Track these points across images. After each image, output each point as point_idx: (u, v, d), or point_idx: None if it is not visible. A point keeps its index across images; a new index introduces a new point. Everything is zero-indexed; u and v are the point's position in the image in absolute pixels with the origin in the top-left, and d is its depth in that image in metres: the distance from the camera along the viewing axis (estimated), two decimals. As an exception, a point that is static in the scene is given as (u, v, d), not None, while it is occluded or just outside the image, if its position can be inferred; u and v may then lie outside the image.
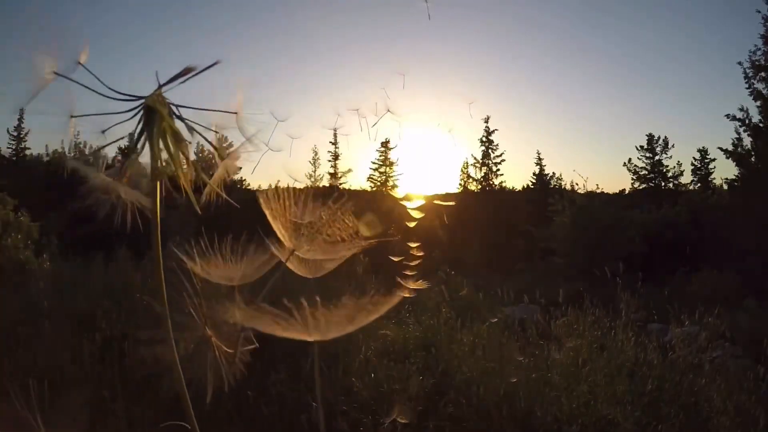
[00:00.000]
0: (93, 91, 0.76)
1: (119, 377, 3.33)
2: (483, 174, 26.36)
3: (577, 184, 25.28)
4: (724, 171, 36.83)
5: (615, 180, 45.35)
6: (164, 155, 0.76)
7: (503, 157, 26.26)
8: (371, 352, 3.85)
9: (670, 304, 5.02)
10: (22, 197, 10.78)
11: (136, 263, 5.92)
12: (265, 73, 40.86)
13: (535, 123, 41.16)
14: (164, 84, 0.75)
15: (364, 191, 24.66)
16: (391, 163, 26.81)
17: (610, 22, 39.17)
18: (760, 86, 14.71)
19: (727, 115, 15.30)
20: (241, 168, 0.88)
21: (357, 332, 3.28)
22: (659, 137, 25.56)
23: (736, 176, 16.03)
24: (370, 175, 26.95)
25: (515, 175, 48.61)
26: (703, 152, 25.25)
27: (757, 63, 14.76)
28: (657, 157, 25.50)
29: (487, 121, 26.36)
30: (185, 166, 0.79)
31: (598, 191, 22.64)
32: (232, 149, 0.84)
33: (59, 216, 16.20)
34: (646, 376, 3.54)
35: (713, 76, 37.39)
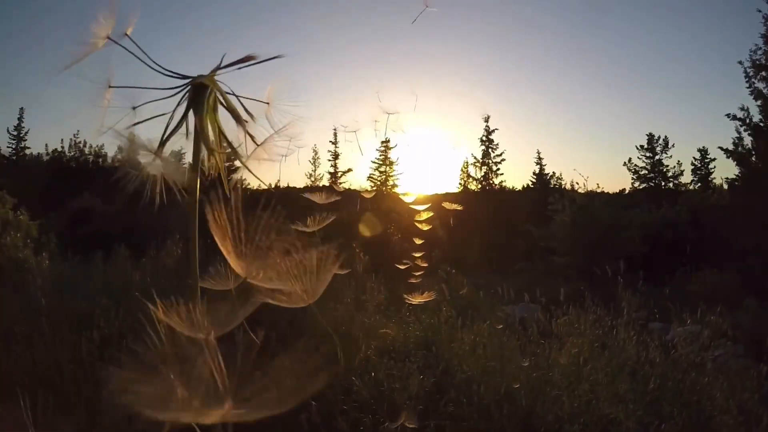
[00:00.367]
0: (143, 62, 0.76)
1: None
2: (483, 173, 26.35)
3: (577, 183, 25.25)
4: (725, 171, 36.84)
5: (615, 180, 45.33)
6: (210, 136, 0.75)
7: (503, 156, 26.26)
8: (371, 351, 3.83)
9: (670, 303, 5.00)
10: (22, 196, 10.76)
11: (136, 262, 5.90)
12: (265, 74, 40.71)
13: (535, 123, 41.13)
14: (223, 66, 0.75)
15: (363, 190, 24.64)
16: (391, 163, 26.80)
17: (610, 21, 39.14)
18: (760, 85, 14.70)
19: (728, 115, 15.29)
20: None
21: (357, 331, 3.26)
22: (659, 137, 25.55)
23: (737, 176, 16.02)
24: (370, 174, 26.95)
25: (515, 175, 48.59)
26: (703, 152, 25.25)
27: (757, 62, 14.74)
28: (657, 157, 25.47)
29: (487, 121, 26.35)
30: (227, 146, 0.78)
31: (599, 191, 22.63)
32: (264, 139, 0.82)
33: (59, 215, 16.18)
34: (648, 374, 3.52)
35: (713, 75, 37.36)
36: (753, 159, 15.08)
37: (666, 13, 39.62)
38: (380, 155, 26.68)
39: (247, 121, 0.79)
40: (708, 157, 25.05)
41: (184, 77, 0.75)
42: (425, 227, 3.28)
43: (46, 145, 29.06)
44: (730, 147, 15.53)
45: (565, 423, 3.07)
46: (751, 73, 14.77)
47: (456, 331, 4.11)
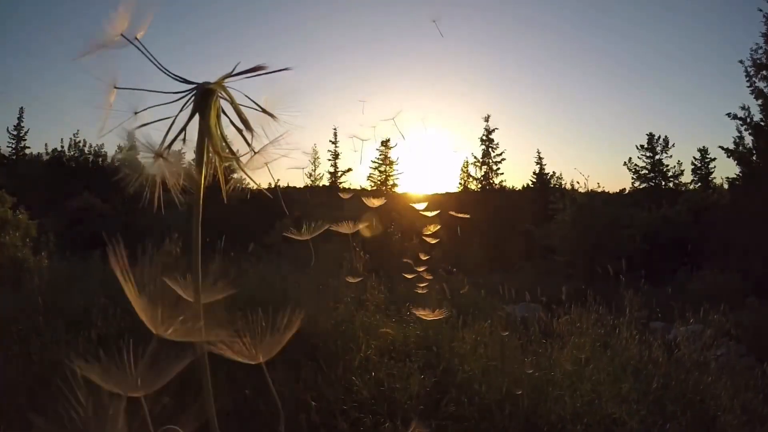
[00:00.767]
0: (154, 65, 0.77)
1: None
2: (483, 173, 26.33)
3: (578, 183, 25.26)
4: (725, 170, 36.81)
5: (615, 179, 45.32)
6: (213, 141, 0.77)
7: (503, 156, 26.24)
8: (371, 350, 3.79)
9: (672, 302, 4.98)
10: (21, 195, 10.74)
11: (134, 261, 5.86)
12: (267, 79, 40.70)
13: (535, 123, 41.14)
14: (231, 75, 0.77)
15: (363, 190, 24.64)
16: (391, 162, 26.78)
17: (611, 21, 39.14)
18: (761, 85, 14.68)
19: (728, 114, 15.28)
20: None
21: (357, 330, 3.21)
22: (659, 136, 25.54)
23: (738, 175, 16.01)
24: (370, 174, 26.92)
25: (515, 175, 48.60)
26: (704, 152, 25.23)
27: (758, 61, 14.72)
28: (657, 157, 25.46)
29: (487, 120, 26.34)
30: (229, 152, 0.81)
31: (599, 190, 22.61)
32: (262, 147, 0.84)
33: (58, 214, 16.15)
34: (651, 374, 3.49)
35: (714, 74, 37.38)
36: (754, 158, 15.07)
37: (666, 13, 39.62)
38: (380, 155, 26.67)
39: (253, 130, 0.82)
40: (708, 156, 25.05)
41: (191, 82, 0.77)
42: (428, 230, 3.30)
43: (46, 144, 29.06)
44: (731, 146, 15.53)
45: (568, 423, 3.04)
46: (751, 72, 14.75)
47: (457, 331, 4.07)
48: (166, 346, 0.76)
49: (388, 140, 26.37)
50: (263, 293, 4.26)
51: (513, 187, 27.25)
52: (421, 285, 3.34)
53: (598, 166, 41.01)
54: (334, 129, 27.53)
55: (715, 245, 13.84)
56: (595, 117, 39.36)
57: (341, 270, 5.04)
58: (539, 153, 27.72)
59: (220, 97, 0.78)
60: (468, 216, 3.91)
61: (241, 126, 0.81)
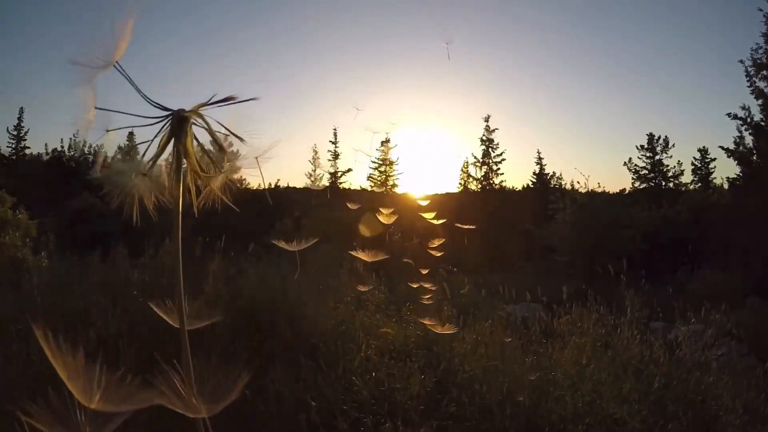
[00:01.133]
0: (137, 90, 0.85)
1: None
2: (483, 173, 26.31)
3: (578, 183, 25.28)
4: (725, 171, 36.79)
5: (615, 179, 45.32)
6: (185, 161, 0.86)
7: (504, 156, 26.22)
8: (371, 350, 3.78)
9: (672, 302, 4.96)
10: (21, 195, 10.74)
11: (134, 261, 5.85)
12: (266, 74, 40.75)
13: (535, 122, 41.13)
14: (205, 104, 0.87)
15: (363, 190, 24.63)
16: (391, 163, 26.76)
17: (611, 21, 39.13)
18: (761, 84, 14.67)
19: (729, 114, 15.26)
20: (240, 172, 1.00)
21: (357, 330, 3.20)
22: (659, 137, 25.54)
23: (738, 175, 16.00)
24: (370, 174, 26.91)
25: (515, 175, 48.56)
26: (704, 152, 25.23)
27: (758, 61, 14.70)
28: (657, 157, 25.46)
29: (487, 121, 26.33)
30: (204, 172, 0.91)
31: (599, 190, 22.61)
32: (226, 167, 0.95)
33: (58, 214, 16.13)
34: (652, 373, 3.48)
35: (714, 74, 37.39)
36: (754, 158, 15.05)
37: (666, 13, 39.61)
38: (380, 155, 26.65)
39: (226, 151, 0.94)
40: (708, 156, 25.05)
41: (168, 109, 0.86)
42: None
43: (46, 145, 29.04)
44: (731, 146, 15.51)
45: (569, 423, 3.03)
46: (752, 72, 14.74)
47: (457, 331, 4.06)
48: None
49: (388, 140, 26.38)
50: (263, 293, 4.25)
51: (513, 187, 27.26)
52: (426, 297, 3.39)
53: (598, 167, 41.05)
54: (334, 129, 27.54)
55: (715, 245, 13.83)
56: (595, 117, 39.39)
57: (341, 270, 5.03)
58: (539, 153, 27.73)
59: (195, 123, 0.87)
60: (474, 227, 3.98)
61: (212, 147, 0.93)
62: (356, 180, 28.15)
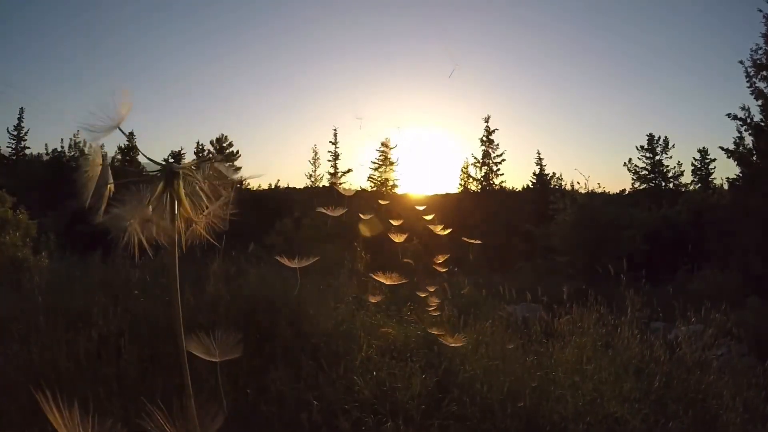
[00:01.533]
0: (138, 150, 1.23)
1: (115, 374, 3.26)
2: (483, 174, 26.32)
3: (578, 183, 25.30)
4: (725, 171, 36.82)
5: (615, 180, 45.36)
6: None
7: (503, 156, 26.23)
8: (372, 350, 3.79)
9: (672, 302, 4.96)
10: (21, 195, 10.74)
11: (134, 261, 5.85)
12: (266, 73, 40.74)
13: (535, 123, 41.16)
14: (192, 162, 1.12)
15: (363, 191, 24.63)
16: (391, 163, 26.77)
17: (611, 22, 39.17)
18: (761, 85, 14.66)
19: (729, 114, 15.26)
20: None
21: (358, 330, 3.23)
22: (659, 137, 25.55)
23: (738, 175, 15.99)
24: (370, 174, 26.91)
25: (515, 175, 48.56)
26: (704, 152, 25.25)
27: (758, 62, 14.70)
28: (657, 157, 25.48)
29: (487, 121, 26.34)
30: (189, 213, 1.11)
31: (599, 191, 22.62)
32: (207, 210, 1.15)
33: (58, 214, 16.13)
34: (653, 373, 3.48)
35: (714, 75, 37.45)
36: (754, 158, 15.05)
37: (666, 13, 39.65)
38: (380, 155, 26.66)
39: (212, 199, 1.14)
40: (708, 157, 25.08)
41: (161, 164, 1.08)
42: (438, 260, 3.53)
43: (46, 145, 29.04)
44: (731, 147, 15.51)
45: (570, 422, 3.03)
46: (751, 73, 14.73)
47: (458, 330, 4.06)
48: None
49: (388, 141, 26.36)
50: (264, 293, 4.25)
51: (513, 187, 27.27)
52: (431, 308, 3.60)
53: (598, 167, 41.10)
54: (335, 130, 27.55)
55: (715, 245, 13.85)
56: (595, 117, 39.42)
57: (342, 270, 5.03)
58: (539, 153, 27.74)
59: (186, 175, 1.08)
60: (480, 242, 4.12)
61: (201, 194, 1.14)
62: (356, 180, 28.18)
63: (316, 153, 27.54)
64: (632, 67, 39.51)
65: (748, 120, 14.97)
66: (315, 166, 27.43)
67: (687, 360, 3.72)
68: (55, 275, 5.41)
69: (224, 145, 28.36)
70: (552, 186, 26.52)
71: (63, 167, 25.15)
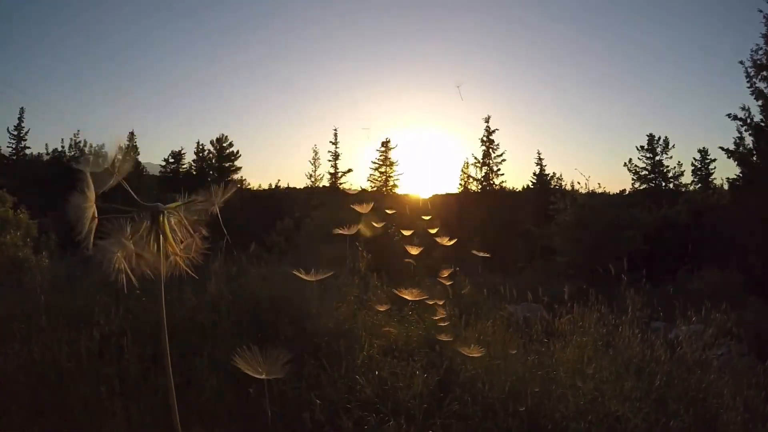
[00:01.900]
0: (131, 193, 1.31)
1: (117, 374, 3.27)
2: (484, 174, 26.34)
3: (578, 183, 25.31)
4: (725, 171, 36.83)
5: (615, 180, 45.39)
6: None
7: (504, 157, 26.25)
8: (374, 349, 3.79)
9: (673, 301, 4.97)
10: (22, 195, 10.73)
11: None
12: (266, 73, 40.76)
13: (535, 123, 41.18)
14: (175, 205, 1.32)
15: (363, 191, 24.64)
16: (391, 163, 26.79)
17: (611, 22, 39.20)
18: (761, 85, 14.70)
19: (729, 115, 15.29)
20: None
21: (360, 330, 3.25)
22: (659, 137, 25.56)
23: (738, 176, 16.02)
24: (370, 174, 26.93)
25: (516, 175, 48.59)
26: (704, 153, 25.26)
27: (758, 62, 14.74)
28: (657, 158, 25.48)
29: (487, 121, 26.36)
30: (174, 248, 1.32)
31: (600, 191, 22.64)
32: (188, 241, 1.38)
33: (59, 214, 16.14)
34: (653, 372, 3.49)
35: (714, 75, 37.51)
36: (754, 158, 15.08)
37: (666, 14, 39.70)
38: (380, 156, 26.68)
39: (193, 235, 1.35)
40: (708, 157, 25.08)
41: (147, 206, 1.28)
42: (444, 273, 3.62)
43: (46, 144, 29.05)
44: (731, 147, 15.53)
45: (571, 421, 3.04)
46: (752, 73, 14.77)
47: (459, 330, 4.07)
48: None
49: (388, 141, 26.38)
50: (265, 292, 4.26)
51: (513, 187, 27.30)
52: (438, 318, 3.71)
53: (598, 167, 41.17)
54: (335, 130, 27.56)
55: (715, 245, 13.85)
56: (595, 117, 39.48)
57: (344, 270, 5.04)
58: (539, 154, 27.77)
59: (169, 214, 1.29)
60: (488, 255, 4.22)
61: (181, 230, 1.34)
62: (356, 180, 28.18)
63: (316, 153, 27.57)
64: (632, 67, 39.61)
65: (748, 120, 15.00)
66: (315, 166, 27.46)
67: (687, 359, 3.73)
68: (56, 275, 5.42)
69: (224, 145, 28.37)
70: (552, 186, 26.55)
71: (63, 167, 25.16)
